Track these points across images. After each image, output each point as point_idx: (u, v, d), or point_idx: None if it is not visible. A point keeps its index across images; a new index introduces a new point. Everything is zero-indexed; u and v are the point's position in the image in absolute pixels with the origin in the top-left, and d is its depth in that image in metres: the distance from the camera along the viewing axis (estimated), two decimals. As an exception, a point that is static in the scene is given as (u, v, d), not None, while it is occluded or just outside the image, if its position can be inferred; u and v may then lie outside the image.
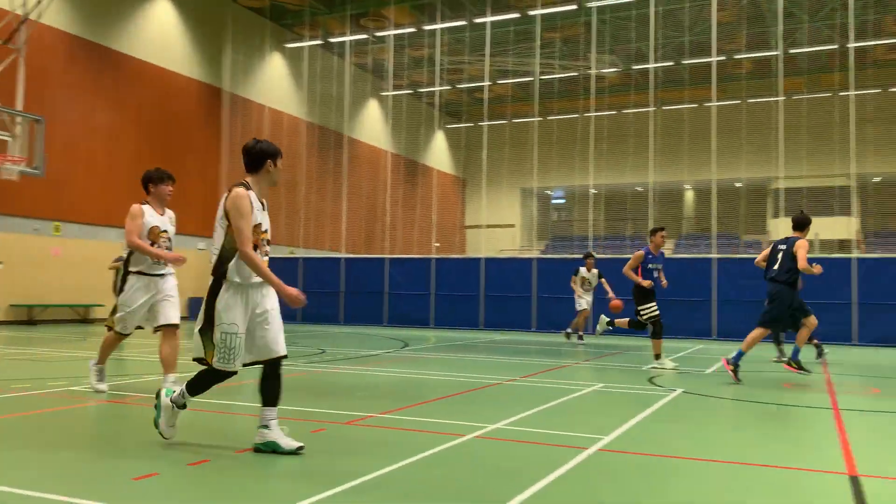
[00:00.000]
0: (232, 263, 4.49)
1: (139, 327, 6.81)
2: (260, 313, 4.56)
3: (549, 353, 12.96)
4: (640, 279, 10.32)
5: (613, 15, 25.45)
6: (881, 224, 34.63)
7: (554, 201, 43.34)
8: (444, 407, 6.64)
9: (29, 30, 17.25)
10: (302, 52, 28.68)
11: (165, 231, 6.77)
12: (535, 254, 31.30)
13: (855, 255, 21.77)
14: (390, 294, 21.11)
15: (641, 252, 10.49)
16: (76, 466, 4.22)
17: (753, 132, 31.43)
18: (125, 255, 6.80)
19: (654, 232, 10.66)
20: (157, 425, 4.68)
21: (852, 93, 26.41)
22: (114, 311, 6.83)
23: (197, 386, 4.67)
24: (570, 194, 41.33)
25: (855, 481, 4.11)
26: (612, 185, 34.77)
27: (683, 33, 26.50)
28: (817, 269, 8.34)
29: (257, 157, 4.65)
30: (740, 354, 8.82)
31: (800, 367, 8.80)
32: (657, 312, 10.33)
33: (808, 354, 12.65)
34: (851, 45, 24.67)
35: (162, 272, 6.74)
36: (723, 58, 27.94)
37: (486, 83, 29.22)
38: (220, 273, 4.51)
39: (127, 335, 6.83)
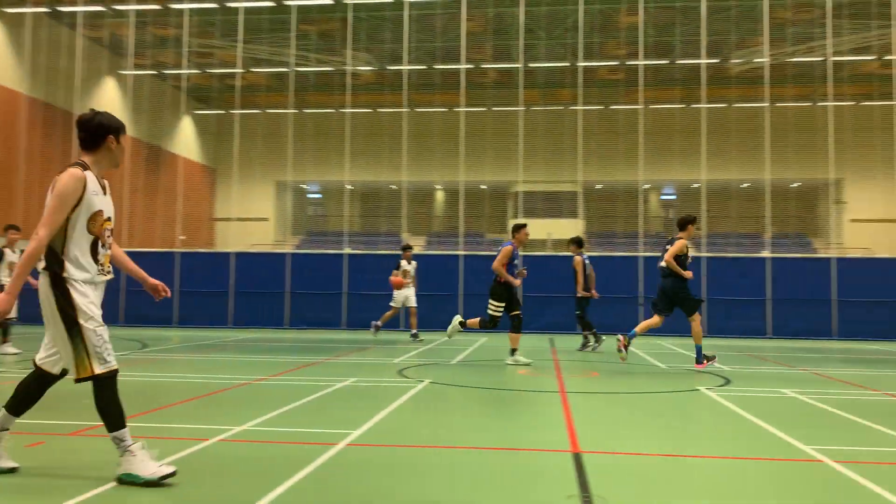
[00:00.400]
0: (68, 256, 3.79)
1: None
2: None
3: (302, 350, 12.80)
4: (510, 277, 10.25)
5: (369, 14, 25.81)
6: (602, 226, 38.92)
7: (310, 195, 42.99)
8: (186, 411, 6.24)
9: None
10: (24, 19, 25.46)
11: (110, 219, 4.94)
12: (289, 248, 30.77)
13: (580, 253, 24.14)
14: (127, 291, 19.50)
15: (510, 248, 10.36)
16: None
17: (497, 138, 33.70)
18: None
19: (519, 228, 10.64)
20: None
21: (580, 107, 29.37)
22: None
23: (23, 401, 3.94)
24: (325, 189, 41.26)
25: (578, 458, 4.52)
26: (367, 181, 35.32)
27: (435, 39, 27.63)
28: (688, 273, 10.09)
29: (96, 132, 3.93)
30: (633, 335, 10.19)
31: (707, 359, 10.17)
32: (500, 312, 10.30)
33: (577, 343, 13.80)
34: (580, 63, 27.41)
35: None
36: (471, 66, 29.60)
37: (239, 70, 28.15)
38: (55, 267, 3.78)
39: None
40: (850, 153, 31.38)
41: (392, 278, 14.90)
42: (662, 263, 10.25)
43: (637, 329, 10.23)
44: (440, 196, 41.75)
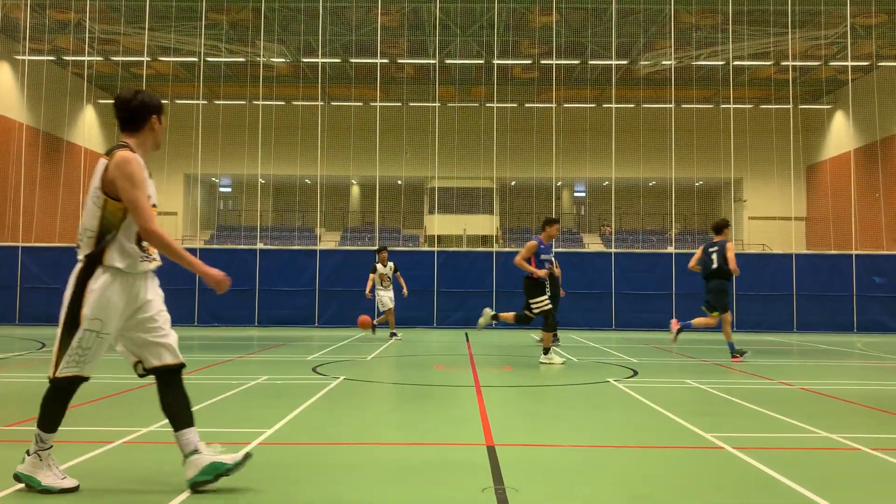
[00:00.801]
0: (116, 245, 3.53)
1: None
2: (141, 308, 3.67)
3: (212, 348, 12.47)
4: (534, 269, 9.99)
5: (283, 4, 25.32)
6: (516, 221, 39.54)
7: (221, 189, 41.86)
8: (89, 412, 5.97)
9: None
10: None
11: (155, 206, 4.64)
12: (199, 244, 29.88)
13: (495, 248, 24.53)
14: (25, 289, 18.50)
15: (535, 242, 10.13)
16: None
17: (413, 134, 33.69)
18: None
19: (549, 223, 10.40)
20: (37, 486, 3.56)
21: (495, 105, 29.72)
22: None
23: (48, 417, 3.61)
24: (237, 183, 40.27)
25: (492, 451, 4.59)
26: (281, 176, 34.67)
27: (351, 32, 27.37)
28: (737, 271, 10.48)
29: (138, 112, 3.67)
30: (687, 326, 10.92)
31: (741, 353, 10.72)
32: (549, 305, 10.09)
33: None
34: (495, 61, 27.73)
35: None
36: (386, 60, 29.48)
37: (145, 58, 27.12)
38: (96, 257, 3.51)
39: None
40: (748, 154, 32.99)
41: (360, 317, 13.97)
42: (714, 266, 10.78)
43: (693, 322, 11.02)
44: (356, 191, 41.44)
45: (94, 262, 3.55)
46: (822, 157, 34.31)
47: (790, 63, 27.42)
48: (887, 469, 4.27)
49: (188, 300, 18.88)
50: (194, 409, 5.75)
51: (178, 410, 3.77)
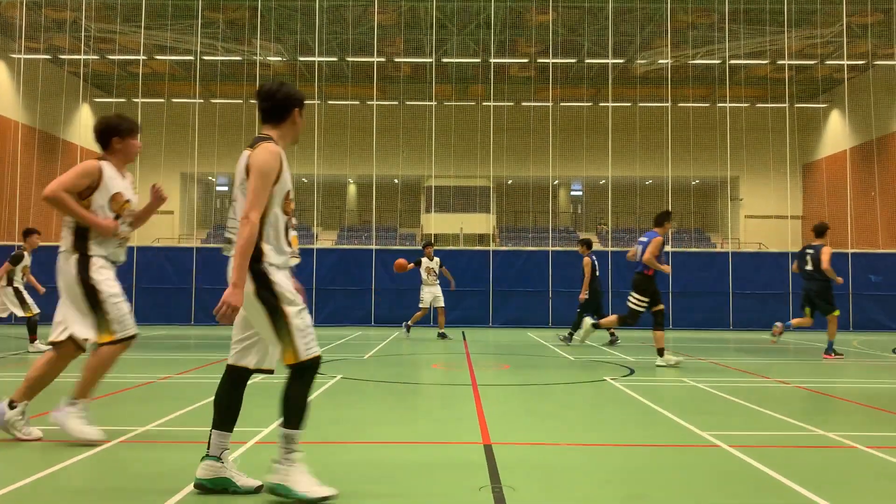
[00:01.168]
0: (267, 240, 3.50)
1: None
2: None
3: (209, 347, 12.46)
4: (664, 267, 9.76)
5: (279, 3, 25.28)
6: (512, 220, 39.55)
7: (218, 188, 41.80)
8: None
9: None
10: None
11: (129, 201, 4.97)
12: (195, 243, 29.84)
13: (492, 247, 24.54)
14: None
15: (660, 238, 9.82)
16: None
17: (410, 132, 33.69)
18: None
19: (667, 217, 10.14)
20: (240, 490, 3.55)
21: (492, 103, 29.71)
22: (103, 320, 4.79)
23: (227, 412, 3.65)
24: (233, 182, 40.18)
25: (489, 449, 4.59)
26: (276, 174, 34.56)
27: (347, 30, 27.34)
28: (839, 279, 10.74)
29: (282, 104, 3.63)
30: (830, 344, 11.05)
31: (836, 353, 10.94)
32: (644, 307, 9.79)
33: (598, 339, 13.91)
34: (492, 60, 27.73)
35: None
36: (383, 59, 29.46)
37: (142, 57, 27.06)
38: (255, 254, 3.47)
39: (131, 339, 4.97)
40: (745, 152, 33.03)
41: (397, 261, 13.97)
42: (809, 267, 10.97)
43: (793, 322, 11.33)
44: (352, 190, 41.42)
45: (258, 258, 3.49)
46: (818, 155, 34.36)
47: (786, 62, 27.46)
48: (883, 467, 4.29)
49: (185, 298, 18.86)
50: (191, 407, 5.76)
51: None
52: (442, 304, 14.62)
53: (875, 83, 28.48)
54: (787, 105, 27.84)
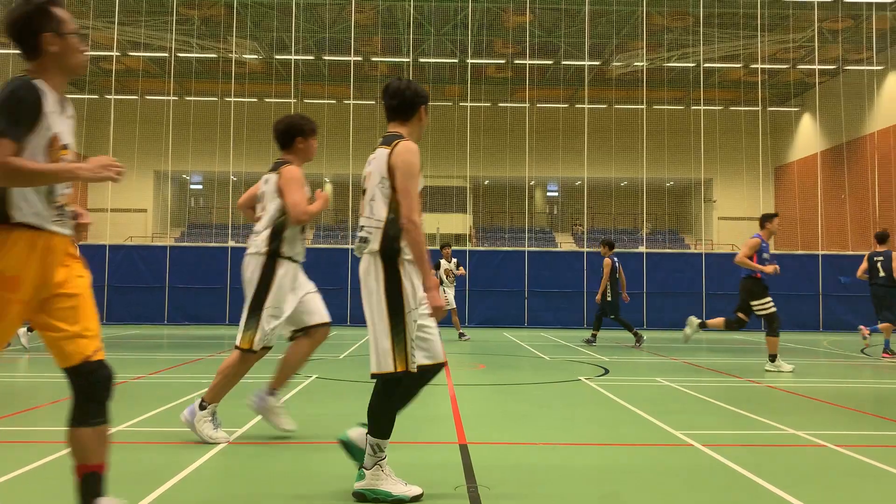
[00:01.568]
0: (403, 239, 3.47)
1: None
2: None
3: (182, 347, 12.33)
4: (762, 266, 9.38)
5: (255, 0, 25.11)
6: (489, 220, 39.64)
7: (192, 186, 41.40)
8: (53, 413, 5.87)
9: None
10: None
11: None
12: (169, 241, 29.54)
13: (468, 247, 24.57)
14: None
15: (757, 240, 9.50)
16: None
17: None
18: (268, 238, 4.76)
19: (769, 218, 9.75)
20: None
21: (469, 104, 29.75)
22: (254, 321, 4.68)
23: (387, 417, 3.58)
24: (208, 180, 39.86)
25: (464, 449, 4.60)
26: (252, 173, 34.35)
27: (324, 29, 27.22)
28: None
29: (411, 102, 3.65)
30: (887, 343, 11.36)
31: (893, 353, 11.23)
32: (774, 308, 9.43)
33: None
34: (469, 60, 27.77)
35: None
36: (360, 58, 29.38)
37: (115, 53, 26.73)
38: (393, 249, 3.45)
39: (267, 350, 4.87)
40: (718, 155, 33.42)
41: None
42: (882, 274, 11.30)
43: (880, 327, 11.52)
44: (329, 189, 41.24)
45: (393, 255, 3.48)
46: (789, 158, 34.86)
47: (759, 66, 27.84)
48: (852, 465, 4.36)
49: (158, 298, 18.66)
50: (165, 408, 5.70)
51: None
52: (454, 304, 14.64)
53: (845, 87, 28.96)
54: (759, 108, 28.22)
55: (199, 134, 31.32)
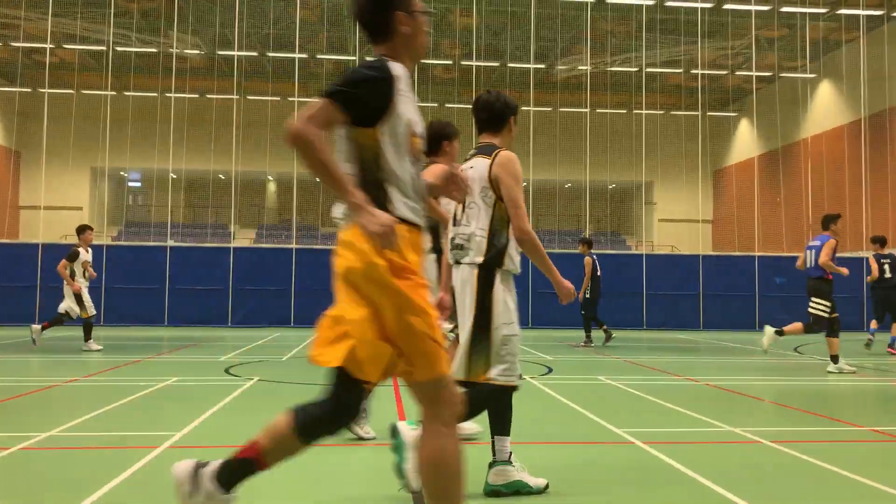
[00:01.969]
0: (509, 247, 3.56)
1: None
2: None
3: (119, 349, 11.98)
4: (842, 269, 9.24)
5: (198, -6, 24.61)
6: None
7: (130, 184, 40.29)
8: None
9: None
10: None
11: None
12: (106, 240, 28.69)
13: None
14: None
15: (834, 241, 9.34)
16: None
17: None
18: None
19: (834, 219, 9.60)
20: (400, 472, 3.35)
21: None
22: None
23: (502, 416, 3.77)
24: (147, 177, 38.85)
25: (409, 450, 4.56)
26: (194, 170, 33.66)
27: (268, 25, 26.83)
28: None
29: (502, 113, 3.74)
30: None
31: None
32: (836, 313, 9.35)
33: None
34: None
35: None
36: (305, 55, 29.05)
37: (48, 45, 25.83)
38: (494, 260, 3.51)
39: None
40: (659, 158, 34.16)
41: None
42: (889, 276, 11.65)
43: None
44: (272, 187, 40.68)
45: (493, 266, 3.55)
46: (727, 162, 35.85)
47: (699, 71, 28.53)
48: (785, 460, 4.49)
49: (94, 298, 18.09)
50: (100, 411, 5.54)
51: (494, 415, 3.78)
52: None
53: (781, 94, 29.94)
54: (699, 113, 28.92)
55: (137, 130, 30.50)
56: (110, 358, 10.29)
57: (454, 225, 3.73)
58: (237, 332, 16.81)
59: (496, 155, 3.62)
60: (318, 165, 2.37)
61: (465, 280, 3.58)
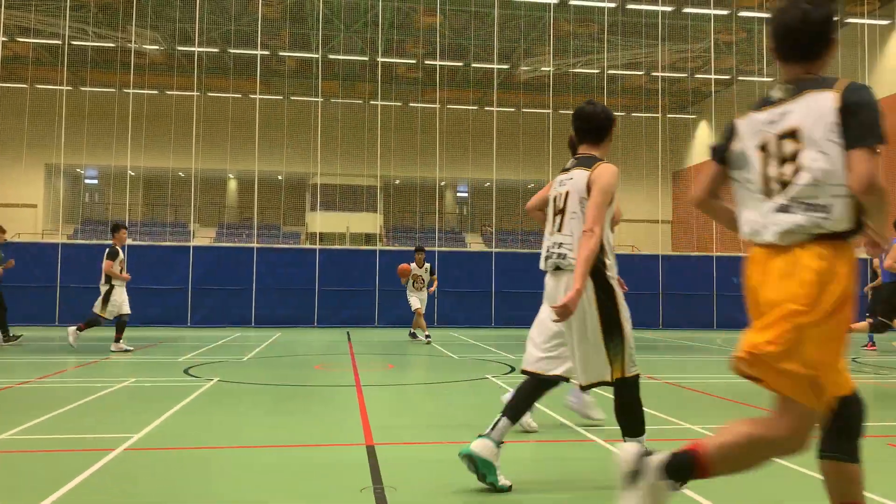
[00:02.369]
0: (606, 248, 3.64)
1: None
2: None
3: (77, 349, 11.71)
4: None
5: (157, -11, 24.19)
6: (399, 220, 39.58)
7: (86, 181, 39.46)
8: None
9: None
10: None
11: None
12: (61, 239, 28.04)
13: (379, 247, 24.44)
14: None
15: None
16: None
17: (295, 128, 33.05)
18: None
19: None
20: (496, 485, 3.57)
21: (379, 103, 29.63)
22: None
23: (523, 407, 3.90)
24: (104, 174, 38.11)
25: (371, 450, 4.56)
26: (152, 167, 33.09)
27: (230, 22, 26.49)
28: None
29: (603, 124, 3.80)
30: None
31: None
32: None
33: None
34: (380, 59, 27.64)
35: None
36: (267, 52, 28.75)
37: (1, 38, 25.17)
38: (598, 266, 3.60)
39: None
40: (620, 159, 34.57)
41: (401, 266, 13.55)
42: None
43: None
44: (233, 185, 40.20)
45: (598, 269, 3.61)
46: (686, 163, 36.44)
47: (659, 74, 28.94)
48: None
49: (49, 298, 17.69)
50: (54, 413, 5.42)
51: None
52: (423, 308, 13.79)
53: (739, 96, 30.53)
54: (659, 115, 29.35)
55: (94, 126, 29.89)
56: (66, 359, 10.06)
57: (550, 234, 3.82)
58: (197, 332, 16.58)
59: (597, 167, 3.71)
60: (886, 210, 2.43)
61: (567, 287, 3.65)
